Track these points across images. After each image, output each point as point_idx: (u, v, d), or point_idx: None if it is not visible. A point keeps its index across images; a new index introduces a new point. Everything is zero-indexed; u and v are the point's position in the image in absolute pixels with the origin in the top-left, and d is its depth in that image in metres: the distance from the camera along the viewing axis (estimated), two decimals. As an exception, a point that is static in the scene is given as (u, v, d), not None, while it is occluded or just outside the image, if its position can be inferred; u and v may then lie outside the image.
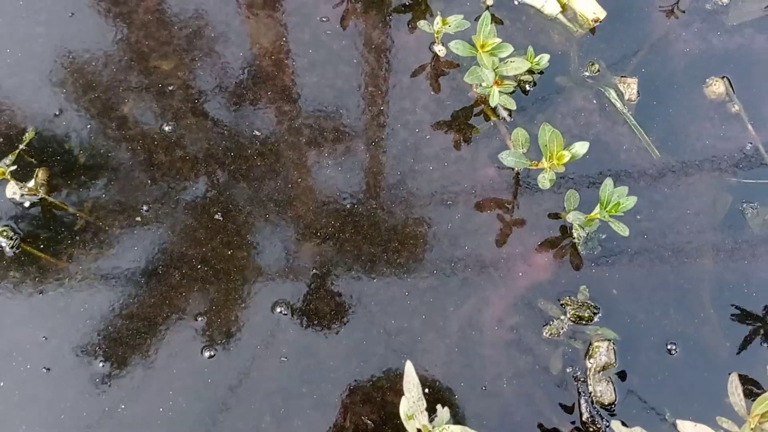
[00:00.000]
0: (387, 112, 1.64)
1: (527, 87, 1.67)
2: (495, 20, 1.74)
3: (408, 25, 1.73)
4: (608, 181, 1.41)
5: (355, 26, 1.71)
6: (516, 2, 1.74)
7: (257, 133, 1.61)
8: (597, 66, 1.68)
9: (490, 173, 1.61)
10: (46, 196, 1.54)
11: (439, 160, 1.61)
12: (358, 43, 1.69)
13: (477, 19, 1.73)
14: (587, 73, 1.68)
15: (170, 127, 1.61)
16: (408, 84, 1.67)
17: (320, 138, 1.61)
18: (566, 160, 1.36)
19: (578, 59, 1.71)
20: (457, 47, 1.49)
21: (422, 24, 1.62)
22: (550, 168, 1.39)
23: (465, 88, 1.68)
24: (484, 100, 1.67)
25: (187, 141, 1.60)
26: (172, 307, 1.48)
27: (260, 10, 1.71)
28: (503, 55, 1.48)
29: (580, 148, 1.37)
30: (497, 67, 1.53)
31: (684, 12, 1.76)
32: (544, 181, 1.40)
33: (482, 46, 1.47)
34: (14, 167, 1.48)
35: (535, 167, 1.49)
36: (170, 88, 1.64)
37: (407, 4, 1.75)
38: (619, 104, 1.65)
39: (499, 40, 1.46)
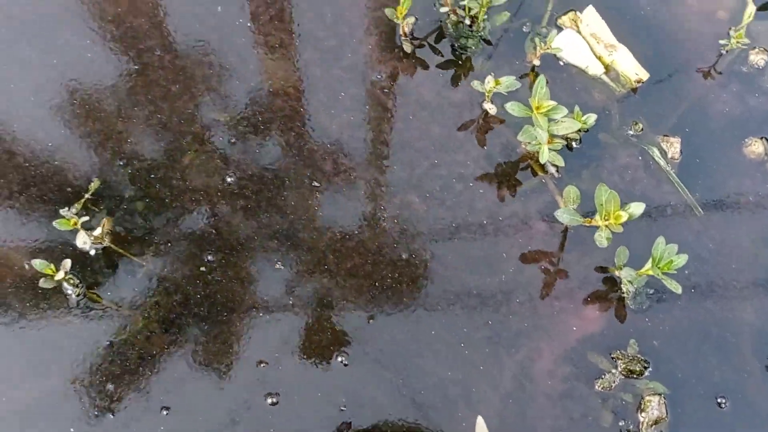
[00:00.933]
0: (441, 166, 1.70)
1: (573, 144, 1.74)
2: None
3: (455, 81, 1.80)
4: (660, 239, 1.47)
5: (406, 83, 1.78)
6: (561, 63, 1.81)
7: (316, 183, 1.67)
8: (640, 125, 1.75)
9: (540, 227, 1.67)
10: (111, 245, 1.59)
11: (492, 213, 1.66)
12: (410, 99, 1.76)
13: (522, 76, 1.82)
14: (631, 132, 1.75)
15: (232, 179, 1.66)
16: (459, 139, 1.73)
17: (377, 191, 1.67)
18: (623, 220, 1.42)
19: (620, 117, 1.78)
20: (513, 108, 1.56)
21: (476, 84, 1.69)
22: (606, 227, 1.45)
23: (513, 144, 1.74)
24: (531, 155, 1.73)
25: (249, 192, 1.65)
26: (235, 354, 1.52)
27: (317, 67, 1.78)
28: (557, 116, 1.55)
29: (636, 208, 1.43)
30: (549, 127, 1.59)
31: (721, 74, 1.84)
32: (602, 239, 1.45)
33: (537, 108, 1.54)
34: (86, 218, 1.52)
35: (588, 224, 1.55)
36: (232, 140, 1.70)
37: (454, 61, 1.82)
38: (662, 162, 1.72)
39: (553, 103, 1.53)
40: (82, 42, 1.77)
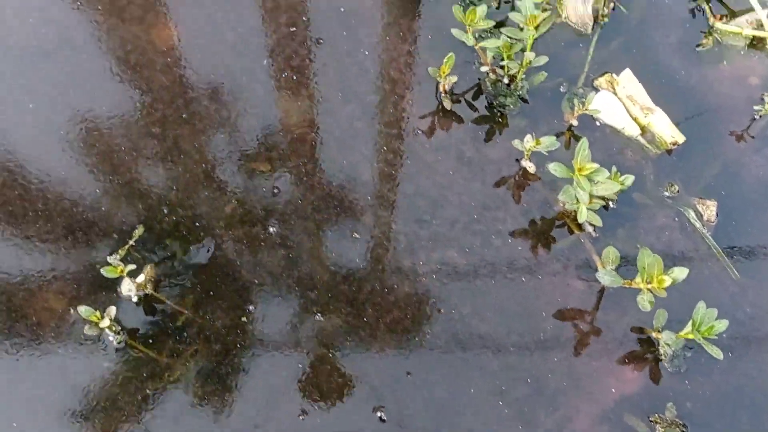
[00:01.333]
0: (480, 221, 1.72)
1: (610, 203, 1.76)
2: (575, 137, 1.85)
3: (494, 138, 1.83)
4: (701, 304, 1.48)
5: (445, 139, 1.82)
6: (598, 123, 1.85)
7: (356, 235, 1.69)
8: (676, 187, 1.77)
9: (577, 285, 1.68)
10: (153, 292, 1.60)
11: (530, 270, 1.68)
12: (450, 155, 1.79)
13: (559, 134, 1.85)
14: (667, 193, 1.78)
15: (274, 229, 1.68)
16: (498, 195, 1.76)
17: (417, 245, 1.69)
18: (667, 285, 1.43)
19: (655, 178, 1.81)
20: (556, 170, 1.59)
21: (516, 143, 1.72)
22: (649, 291, 1.47)
23: (550, 201, 1.77)
24: (568, 214, 1.75)
25: (291, 243, 1.67)
26: (274, 405, 1.52)
27: (359, 120, 1.82)
28: (598, 178, 1.57)
29: (680, 273, 1.44)
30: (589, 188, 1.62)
31: (754, 138, 1.87)
32: (644, 303, 1.47)
33: (579, 170, 1.57)
34: (133, 266, 1.54)
35: (628, 286, 1.56)
36: (274, 190, 1.72)
37: (492, 118, 1.86)
38: (698, 225, 1.74)
39: (596, 165, 1.56)
40: (126, 92, 1.82)
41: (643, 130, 1.83)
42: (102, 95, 1.81)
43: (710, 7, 2.00)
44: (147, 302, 1.61)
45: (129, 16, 1.90)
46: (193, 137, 1.77)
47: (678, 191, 1.78)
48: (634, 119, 1.84)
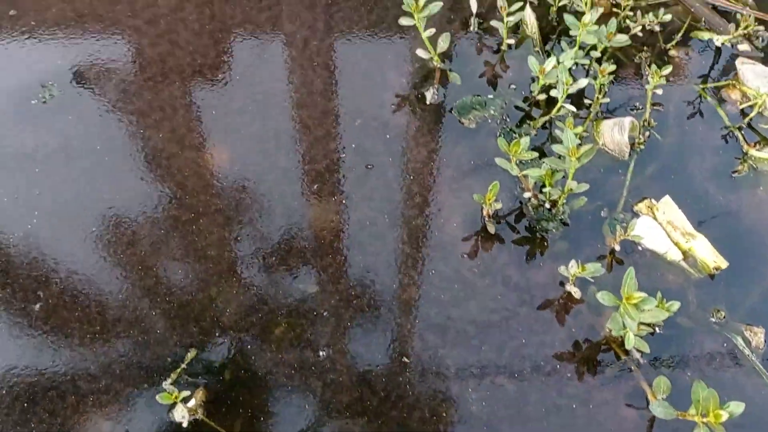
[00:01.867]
0: (528, 346, 1.73)
1: (656, 329, 1.77)
2: (617, 261, 1.88)
3: (537, 262, 1.87)
4: (759, 439, 1.46)
5: (491, 263, 1.86)
6: (639, 247, 1.89)
7: (405, 359, 1.70)
8: (722, 312, 1.78)
9: (627, 413, 1.67)
10: (204, 418, 1.61)
11: (581, 397, 1.67)
12: (496, 279, 1.83)
13: (600, 257, 1.88)
14: (713, 319, 1.78)
15: (324, 353, 1.71)
16: (544, 319, 1.78)
17: (467, 372, 1.70)
18: (723, 419, 1.42)
19: (699, 303, 1.82)
20: (604, 298, 1.61)
21: (562, 269, 1.76)
22: (704, 424, 1.45)
23: (596, 326, 1.78)
24: (614, 339, 1.76)
25: (341, 367, 1.69)
26: None
27: (404, 244, 1.88)
28: (646, 307, 1.60)
29: (736, 408, 1.43)
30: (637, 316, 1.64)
31: (796, 263, 1.89)
32: (702, 438, 1.45)
33: (627, 299, 1.59)
34: (187, 393, 1.56)
35: (681, 417, 1.55)
36: (324, 313, 1.76)
37: (534, 241, 1.91)
38: (747, 352, 1.73)
39: (643, 294, 1.58)
40: (168, 211, 1.90)
41: (685, 254, 1.87)
42: (147, 224, 1.90)
43: (743, 135, 2.08)
44: (198, 427, 1.62)
45: (175, 136, 2.03)
46: (243, 262, 1.84)
47: (724, 317, 1.79)
48: (676, 244, 1.87)
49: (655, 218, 1.91)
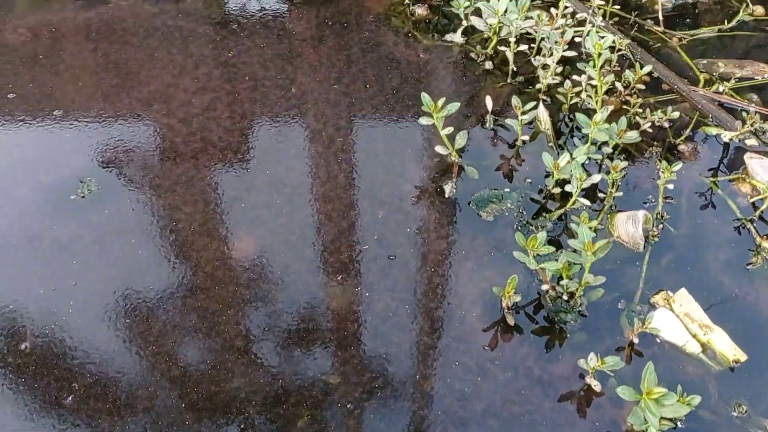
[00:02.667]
0: (549, 443, 1.75)
1: (677, 422, 1.77)
2: (635, 353, 1.91)
3: (556, 353, 1.90)
4: None
5: (511, 355, 1.89)
6: (658, 339, 1.91)
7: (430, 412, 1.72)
8: (744, 407, 1.79)
9: None
10: None
11: (604, 496, 1.67)
12: (518, 373, 1.86)
13: (619, 349, 1.91)
14: (735, 413, 1.79)
15: (348, 446, 1.73)
16: (567, 411, 1.79)
17: (489, 467, 1.71)
18: None
19: (719, 395, 1.83)
20: (624, 393, 1.64)
21: (582, 362, 1.79)
22: None
23: (617, 420, 1.78)
24: (636, 432, 1.77)
25: (364, 462, 1.71)
26: None
27: (428, 336, 1.92)
28: (667, 402, 1.61)
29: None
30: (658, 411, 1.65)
31: (815, 356, 1.91)
32: None
33: (647, 393, 1.61)
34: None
35: None
36: (348, 405, 1.79)
37: (553, 332, 1.94)
38: (771, 447, 1.73)
39: (664, 389, 1.61)
40: (198, 302, 1.97)
41: (704, 347, 1.89)
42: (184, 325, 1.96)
43: (755, 228, 2.13)
44: None
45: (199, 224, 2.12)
46: (268, 353, 1.88)
47: (746, 411, 1.79)
48: (694, 336, 1.90)
49: (672, 310, 1.95)
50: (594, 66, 2.22)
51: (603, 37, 2.20)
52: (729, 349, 1.87)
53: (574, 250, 1.96)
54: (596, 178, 2.09)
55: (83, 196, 2.17)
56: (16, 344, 1.89)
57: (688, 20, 2.71)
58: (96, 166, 2.25)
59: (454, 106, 2.17)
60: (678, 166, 2.11)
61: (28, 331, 1.91)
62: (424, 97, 2.14)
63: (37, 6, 2.71)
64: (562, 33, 2.36)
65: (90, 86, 2.47)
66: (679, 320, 1.92)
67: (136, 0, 2.74)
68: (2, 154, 2.27)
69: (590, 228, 1.91)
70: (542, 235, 1.89)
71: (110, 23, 2.66)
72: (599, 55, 2.17)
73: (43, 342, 1.90)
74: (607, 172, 2.17)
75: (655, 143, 2.34)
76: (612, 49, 2.45)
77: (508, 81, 2.51)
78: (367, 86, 2.49)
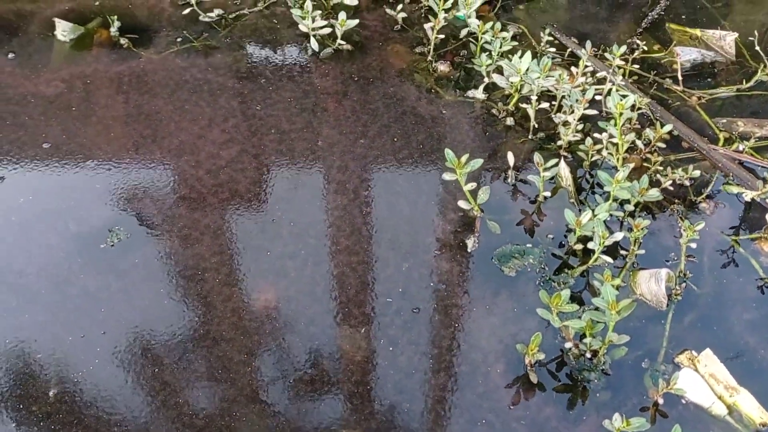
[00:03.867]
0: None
1: (705, 487, 1.75)
2: (660, 414, 1.89)
3: (581, 413, 1.89)
4: None
5: (538, 418, 1.88)
6: (683, 400, 1.90)
7: None
8: (773, 472, 1.77)
9: None
10: None
11: None
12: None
13: (643, 409, 1.89)
14: (763, 478, 1.77)
15: (370, 505, 1.72)
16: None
17: None
18: None
19: (748, 458, 1.81)
20: (651, 455, 1.62)
21: (606, 423, 1.78)
22: None
23: (643, 482, 1.77)
24: (663, 496, 1.74)
25: None
26: None
27: (451, 392, 1.92)
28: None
29: None
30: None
31: (844, 420, 1.88)
32: None
33: (675, 458, 1.60)
34: None
35: None
36: (370, 462, 1.79)
37: (576, 390, 1.93)
38: None
39: (692, 454, 1.59)
40: (224, 352, 1.99)
41: (730, 409, 1.87)
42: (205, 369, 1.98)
43: (778, 287, 2.14)
44: None
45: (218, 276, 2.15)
46: (299, 411, 1.89)
47: (775, 477, 1.77)
48: (719, 398, 1.88)
49: (696, 371, 1.94)
50: (615, 125, 2.26)
51: (624, 97, 2.24)
52: (756, 412, 1.85)
53: (596, 308, 1.97)
54: (618, 236, 2.11)
55: (112, 245, 2.21)
56: (44, 392, 1.91)
57: (708, 79, 2.76)
58: (125, 216, 2.30)
59: (477, 163, 2.21)
60: (701, 225, 2.12)
61: (54, 379, 1.93)
62: (448, 153, 2.19)
63: (71, 59, 2.81)
64: (583, 92, 2.41)
65: (121, 137, 2.53)
66: (704, 381, 1.91)
67: (167, 54, 2.83)
68: (35, 203, 2.33)
69: (613, 286, 1.92)
70: (566, 293, 1.90)
71: (141, 76, 2.74)
72: (621, 114, 2.21)
73: (70, 390, 1.91)
74: (629, 230, 2.19)
75: (675, 201, 2.36)
76: (632, 107, 2.49)
77: (529, 137, 2.55)
78: (393, 140, 2.54)
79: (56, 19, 2.88)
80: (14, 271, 2.16)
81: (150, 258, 2.19)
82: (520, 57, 2.50)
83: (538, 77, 2.41)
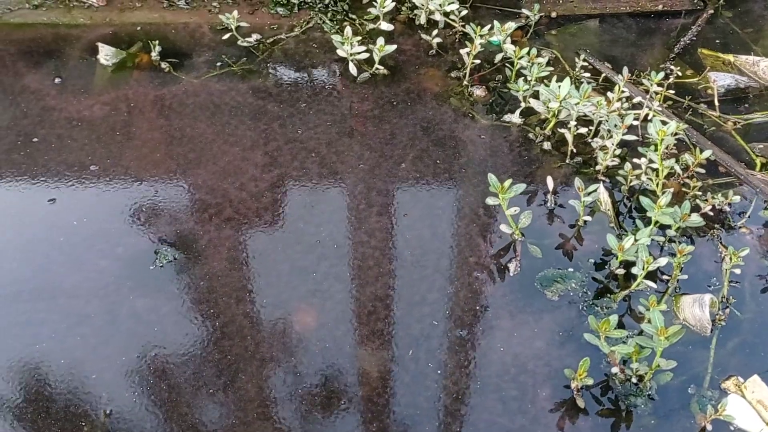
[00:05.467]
0: None
1: None
2: (707, 441, 1.90)
3: (628, 436, 1.90)
4: None
5: (584, 437, 1.90)
6: (731, 427, 1.90)
7: None
8: (824, 500, 1.77)
9: None
10: None
11: None
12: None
13: (691, 435, 1.91)
14: (815, 506, 1.77)
15: None
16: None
17: None
18: None
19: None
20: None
21: (658, 448, 1.79)
22: None
23: None
24: None
25: None
26: None
27: (500, 416, 1.93)
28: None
29: None
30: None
31: None
32: None
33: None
34: None
35: None
36: (421, 486, 1.80)
37: (621, 415, 1.94)
38: None
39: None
40: (267, 379, 2.01)
41: (778, 437, 1.88)
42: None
43: (822, 313, 2.14)
44: None
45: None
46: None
47: (826, 504, 1.77)
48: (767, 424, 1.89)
49: (744, 397, 1.94)
50: (656, 150, 2.28)
51: (665, 124, 2.27)
52: (805, 440, 1.86)
53: (640, 332, 1.98)
54: (662, 261, 2.13)
55: (161, 266, 2.25)
56: (96, 414, 1.93)
57: (744, 105, 2.79)
58: (172, 238, 2.33)
59: (520, 187, 2.24)
60: (746, 251, 2.14)
61: (105, 399, 1.96)
62: (491, 177, 2.22)
63: (113, 83, 2.87)
64: (623, 117, 2.44)
65: (165, 159, 2.58)
66: (752, 407, 1.92)
67: (207, 78, 2.89)
68: (84, 224, 2.37)
69: (661, 309, 1.93)
70: (614, 319, 1.91)
71: (183, 99, 2.79)
72: (662, 140, 2.24)
73: (122, 411, 1.94)
74: (671, 254, 2.21)
75: (715, 226, 2.38)
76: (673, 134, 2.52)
77: (566, 161, 2.58)
78: (434, 164, 2.57)
79: (99, 44, 2.94)
80: (65, 291, 2.20)
81: (197, 280, 2.22)
82: (558, 82, 2.54)
83: (578, 103, 2.44)
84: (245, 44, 3.02)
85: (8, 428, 1.91)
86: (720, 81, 2.81)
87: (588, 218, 2.39)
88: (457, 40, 3.07)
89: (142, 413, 1.94)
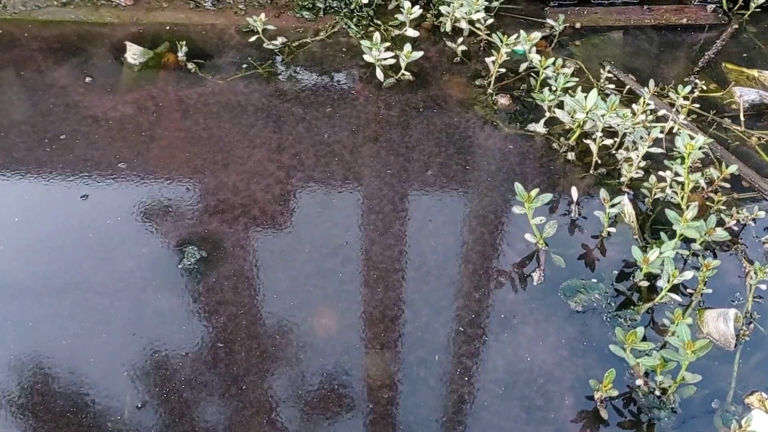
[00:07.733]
0: None
1: None
2: (731, 453, 1.91)
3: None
4: None
5: (607, 448, 1.91)
6: (753, 444, 1.92)
7: None
8: None
9: None
10: None
11: None
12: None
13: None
14: None
15: None
16: None
17: None
18: None
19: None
20: (732, 497, 1.64)
21: (682, 461, 1.80)
22: None
23: None
24: None
25: None
26: None
27: (525, 424, 1.94)
28: None
29: None
30: None
31: None
32: None
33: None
34: None
35: None
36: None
37: (643, 427, 1.95)
38: None
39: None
40: (293, 390, 2.03)
41: (802, 453, 1.88)
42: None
43: None
44: None
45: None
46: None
47: None
48: (791, 441, 1.90)
49: (767, 412, 1.95)
50: (683, 163, 2.29)
51: (692, 138, 2.28)
52: (829, 456, 1.86)
53: (663, 345, 1.99)
54: (688, 274, 2.13)
55: (190, 265, 2.26)
56: (120, 408, 1.95)
57: (771, 121, 2.81)
58: (199, 238, 2.35)
59: (547, 197, 2.25)
60: (771, 267, 2.15)
61: (129, 399, 1.98)
62: (518, 187, 2.23)
63: (140, 82, 2.89)
64: (649, 130, 2.45)
65: (192, 159, 2.59)
66: (775, 423, 1.93)
67: (232, 79, 2.90)
68: (114, 221, 2.39)
69: (687, 323, 1.94)
70: (640, 331, 1.92)
71: (209, 100, 2.81)
72: (689, 154, 2.25)
73: (148, 407, 1.96)
74: (696, 268, 2.21)
75: (739, 240, 2.38)
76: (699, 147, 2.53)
77: (590, 172, 2.59)
78: (458, 171, 2.59)
79: (128, 43, 2.96)
80: (94, 288, 2.22)
81: (224, 280, 2.24)
82: (584, 93, 2.55)
83: (604, 114, 2.45)
84: (271, 47, 3.04)
85: (33, 420, 1.93)
86: (745, 96, 2.82)
87: (612, 229, 2.40)
88: (481, 48, 3.09)
89: (170, 410, 1.95)
